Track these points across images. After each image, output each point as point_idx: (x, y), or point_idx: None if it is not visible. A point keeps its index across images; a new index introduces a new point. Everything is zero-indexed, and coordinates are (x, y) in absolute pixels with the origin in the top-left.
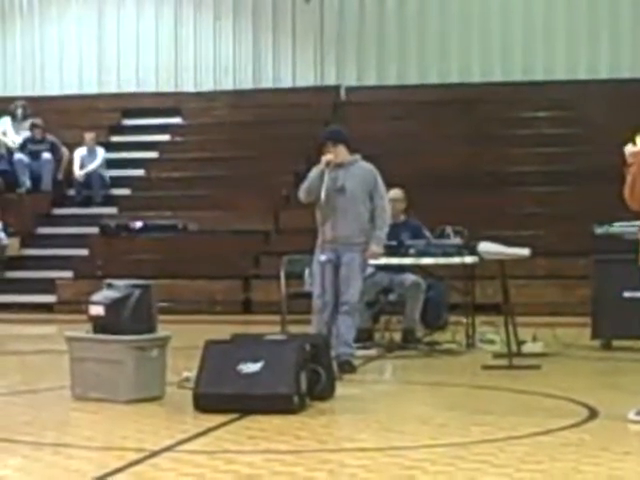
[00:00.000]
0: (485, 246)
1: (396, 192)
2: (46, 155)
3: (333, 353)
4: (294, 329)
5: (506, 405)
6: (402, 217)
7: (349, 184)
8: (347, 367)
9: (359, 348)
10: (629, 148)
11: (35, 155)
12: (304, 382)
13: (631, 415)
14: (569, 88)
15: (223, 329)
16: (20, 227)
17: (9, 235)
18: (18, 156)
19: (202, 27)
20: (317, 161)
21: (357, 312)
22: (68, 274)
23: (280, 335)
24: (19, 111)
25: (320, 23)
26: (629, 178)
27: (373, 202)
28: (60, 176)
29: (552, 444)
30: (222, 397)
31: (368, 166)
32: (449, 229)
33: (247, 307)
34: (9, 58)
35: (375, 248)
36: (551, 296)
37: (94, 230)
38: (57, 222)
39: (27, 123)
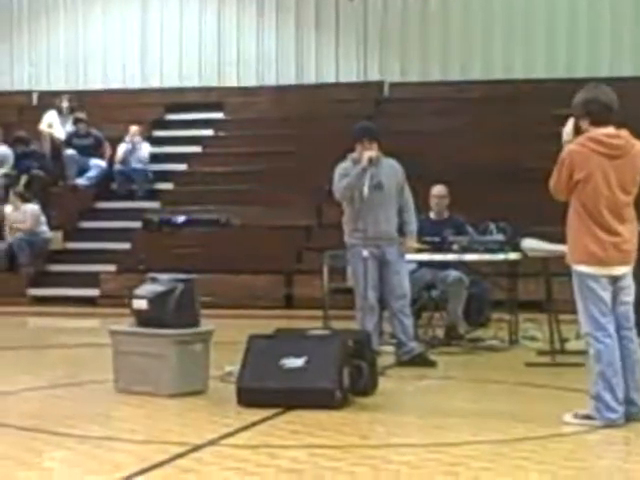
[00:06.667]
0: (529, 243)
1: (440, 188)
2: (90, 149)
3: (389, 349)
4: (336, 324)
5: (549, 402)
6: (445, 213)
7: (385, 180)
8: (424, 361)
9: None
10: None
11: (79, 149)
12: (347, 377)
13: (567, 418)
14: (613, 85)
15: (265, 324)
16: (63, 221)
17: (52, 229)
18: (67, 151)
19: (245, 22)
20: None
21: None
22: (111, 268)
23: (323, 330)
24: (64, 105)
25: (363, 18)
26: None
27: (403, 197)
28: (103, 170)
29: (597, 442)
30: (265, 392)
31: (394, 162)
32: (492, 225)
33: (289, 302)
34: (53, 53)
35: (412, 242)
36: None
37: (137, 224)
38: (100, 216)
39: (72, 117)
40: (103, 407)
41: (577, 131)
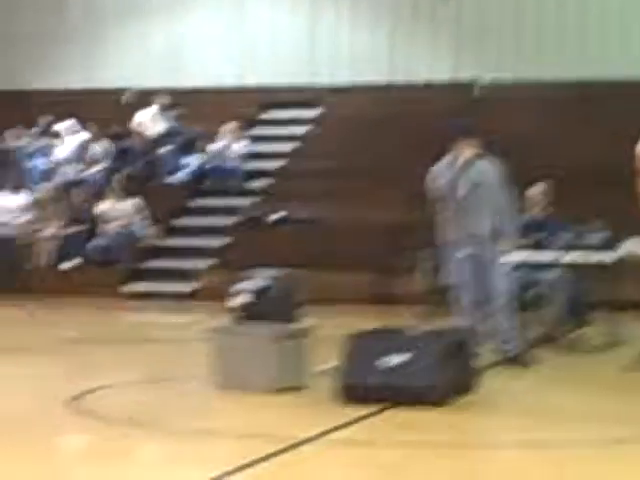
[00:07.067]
0: (630, 244)
1: (540, 187)
2: (186, 147)
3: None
4: (435, 322)
5: None
6: (545, 212)
7: (482, 180)
8: (523, 362)
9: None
10: None
11: (175, 146)
12: (449, 375)
13: None
14: None
15: (364, 321)
16: (161, 217)
17: (150, 225)
18: (164, 148)
19: (339, 21)
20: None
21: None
22: (207, 264)
23: (424, 328)
24: (162, 102)
25: (457, 20)
26: None
27: (502, 197)
28: (198, 167)
29: None
30: (367, 388)
31: (495, 161)
32: (593, 225)
33: (387, 299)
34: (150, 50)
35: (509, 242)
36: None
37: (233, 220)
38: (196, 212)
39: (170, 114)
40: (202, 402)
41: None
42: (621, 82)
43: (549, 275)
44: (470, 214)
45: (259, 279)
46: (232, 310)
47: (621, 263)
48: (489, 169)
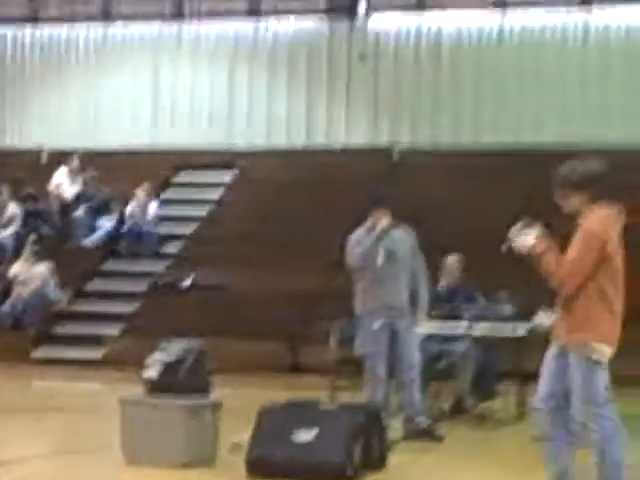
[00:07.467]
0: (540, 317)
1: (455, 256)
2: (99, 209)
3: (398, 422)
4: (343, 394)
5: None
6: (458, 281)
7: (398, 249)
8: (432, 436)
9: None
10: (525, 239)
11: (88, 209)
12: (358, 452)
13: None
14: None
15: (271, 391)
16: (73, 280)
17: (60, 288)
18: (77, 212)
19: (256, 84)
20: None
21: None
22: (117, 329)
23: (334, 404)
24: (74, 164)
25: (374, 84)
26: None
27: (415, 265)
28: (111, 230)
29: None
30: (275, 464)
31: (408, 230)
32: (500, 296)
33: (295, 369)
34: (64, 111)
35: (423, 315)
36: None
37: (145, 285)
38: (109, 276)
39: (82, 176)
40: (110, 476)
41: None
42: (534, 151)
43: (460, 346)
44: (387, 284)
45: (171, 350)
46: (145, 381)
47: (531, 335)
48: (404, 238)
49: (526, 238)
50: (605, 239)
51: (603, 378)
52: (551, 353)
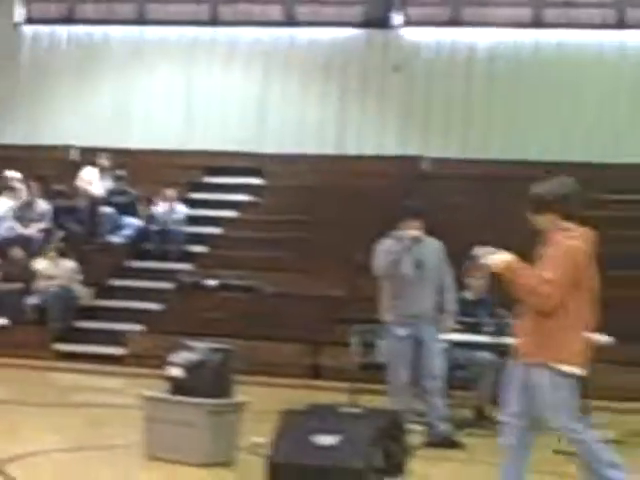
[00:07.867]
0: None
1: None
2: (126, 208)
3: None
4: (362, 399)
5: None
6: (482, 293)
7: (427, 259)
8: (452, 444)
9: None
10: (498, 256)
11: (116, 207)
12: (379, 457)
13: None
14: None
15: (291, 394)
16: (96, 278)
17: (84, 285)
18: (104, 209)
19: (289, 89)
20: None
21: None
22: (140, 328)
23: (355, 408)
24: (105, 161)
25: (407, 95)
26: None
27: (443, 277)
28: (138, 229)
29: None
30: (296, 468)
31: (437, 241)
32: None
33: (316, 372)
34: (97, 109)
35: (450, 323)
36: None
37: (169, 285)
38: (133, 275)
39: (111, 175)
40: (131, 473)
41: None
42: (561, 164)
43: (483, 355)
44: (414, 293)
45: (198, 351)
46: (168, 381)
47: None
48: (433, 248)
49: (499, 255)
50: (582, 255)
51: (573, 395)
52: (516, 372)
